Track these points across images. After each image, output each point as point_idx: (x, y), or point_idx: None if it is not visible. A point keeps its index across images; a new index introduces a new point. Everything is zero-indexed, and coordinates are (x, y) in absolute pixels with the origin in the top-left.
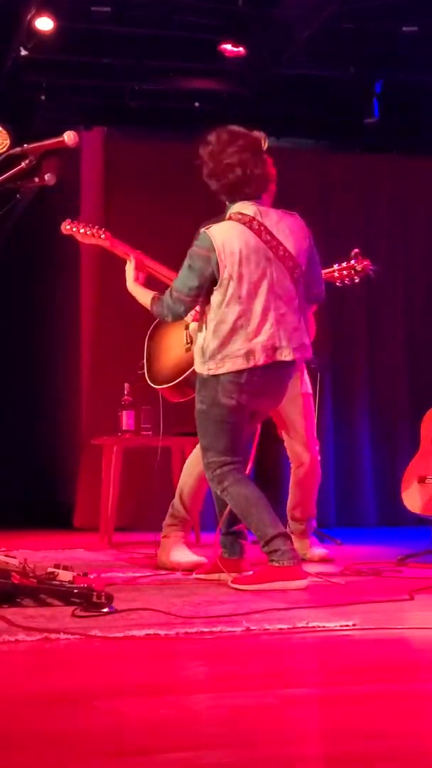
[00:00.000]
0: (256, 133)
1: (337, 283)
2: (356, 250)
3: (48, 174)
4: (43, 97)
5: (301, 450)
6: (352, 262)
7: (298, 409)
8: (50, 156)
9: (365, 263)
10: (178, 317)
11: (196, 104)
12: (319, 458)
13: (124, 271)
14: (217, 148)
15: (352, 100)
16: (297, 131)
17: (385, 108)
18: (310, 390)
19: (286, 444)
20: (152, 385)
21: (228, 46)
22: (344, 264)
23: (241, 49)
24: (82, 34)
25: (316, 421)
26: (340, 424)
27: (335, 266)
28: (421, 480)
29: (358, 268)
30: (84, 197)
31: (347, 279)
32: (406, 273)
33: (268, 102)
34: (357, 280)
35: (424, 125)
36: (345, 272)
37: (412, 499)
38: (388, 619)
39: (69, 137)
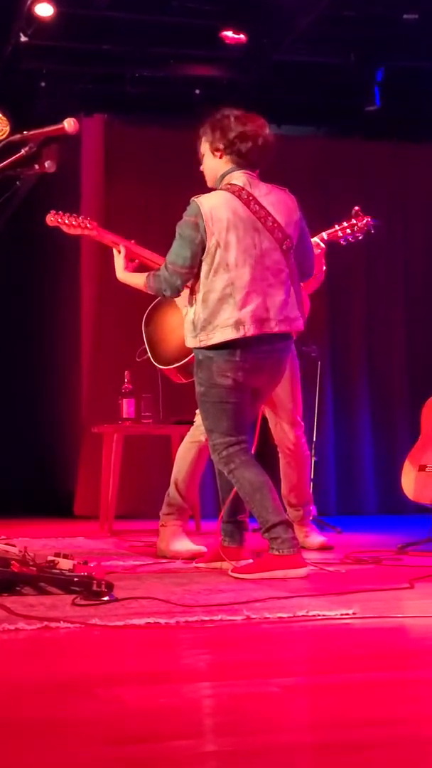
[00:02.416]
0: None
1: (341, 242)
2: (357, 208)
3: (48, 161)
4: (43, 84)
5: (287, 429)
6: (353, 220)
7: (287, 389)
8: (50, 143)
9: (366, 219)
10: (176, 290)
11: (197, 91)
12: (304, 440)
13: None
14: (236, 118)
15: (352, 88)
16: (297, 118)
17: (385, 95)
18: (298, 373)
19: (271, 426)
20: (159, 366)
21: (229, 33)
22: (345, 223)
23: (241, 36)
24: (83, 21)
25: (302, 405)
26: (339, 412)
27: (336, 226)
28: (422, 468)
29: (360, 224)
30: (84, 184)
31: (351, 237)
32: (406, 260)
33: (268, 89)
34: (360, 237)
35: (424, 112)
36: (348, 230)
37: (412, 487)
38: (388, 607)
39: (69, 124)
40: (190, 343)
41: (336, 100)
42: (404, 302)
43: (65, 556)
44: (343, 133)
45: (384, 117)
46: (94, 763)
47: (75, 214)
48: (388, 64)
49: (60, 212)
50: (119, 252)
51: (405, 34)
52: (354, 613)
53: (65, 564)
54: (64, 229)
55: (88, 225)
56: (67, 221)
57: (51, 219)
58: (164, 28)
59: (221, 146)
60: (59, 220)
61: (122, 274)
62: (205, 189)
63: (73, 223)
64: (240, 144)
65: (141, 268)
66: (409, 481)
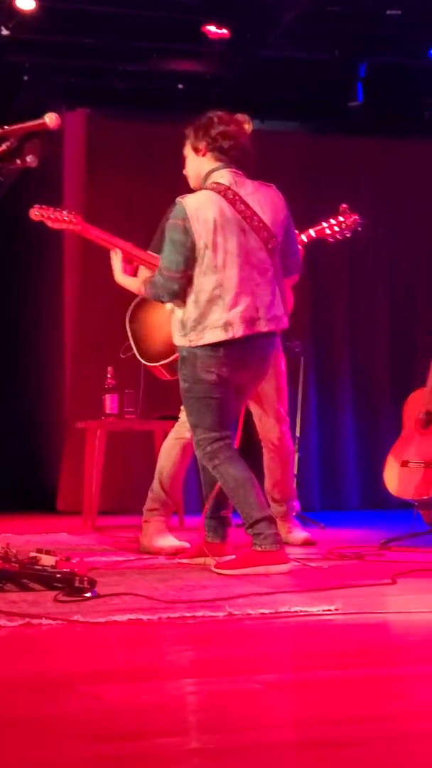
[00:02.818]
0: (241, 116)
1: (330, 240)
2: (344, 206)
3: (30, 156)
4: (25, 78)
5: (272, 425)
6: (340, 218)
7: (273, 384)
8: (32, 138)
9: (354, 217)
10: (174, 296)
11: (180, 86)
12: (289, 435)
13: (107, 255)
14: (219, 117)
15: (336, 83)
16: (281, 114)
17: (369, 91)
18: (284, 368)
19: (256, 421)
20: (145, 362)
21: (212, 28)
22: (333, 221)
23: (225, 31)
24: (65, 14)
25: (287, 400)
26: (323, 408)
27: (323, 223)
28: (404, 464)
29: (348, 222)
30: (66, 178)
31: (339, 234)
32: (390, 256)
33: (252, 84)
34: (348, 235)
35: (407, 108)
36: (336, 228)
37: (395, 482)
38: (371, 603)
39: (50, 119)
40: (179, 341)
41: (319, 96)
42: (388, 298)
43: (48, 553)
44: (326, 129)
45: (367, 112)
46: (77, 760)
47: (59, 209)
48: (371, 59)
49: (44, 206)
50: (111, 250)
51: (388, 30)
52: (336, 609)
53: (48, 560)
54: (48, 223)
55: (72, 220)
56: (51, 215)
57: (35, 213)
58: (147, 22)
59: (203, 144)
60: (43, 214)
61: (120, 277)
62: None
63: (58, 217)
64: (222, 141)
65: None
66: (392, 477)
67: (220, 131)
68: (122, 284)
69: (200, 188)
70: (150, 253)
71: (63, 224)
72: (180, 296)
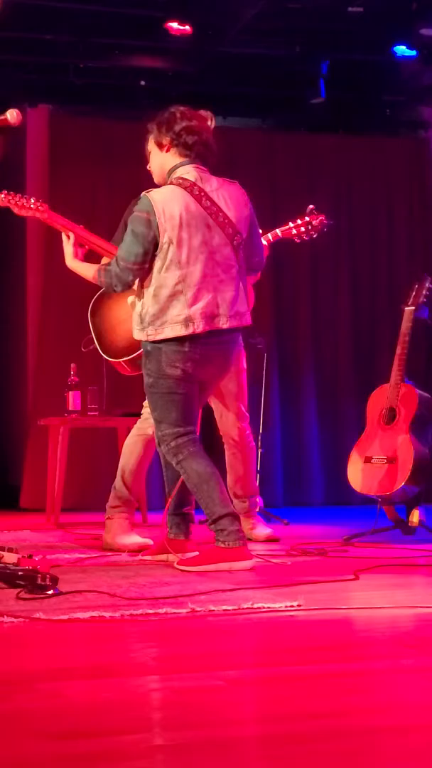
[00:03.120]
0: (204, 113)
1: (296, 240)
2: (311, 207)
3: None
4: None
5: (233, 421)
6: (306, 218)
7: (234, 380)
8: None
9: (320, 218)
10: (127, 286)
11: (142, 82)
12: (249, 431)
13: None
14: (182, 113)
15: (298, 79)
16: (243, 110)
17: (331, 87)
18: (245, 366)
19: (217, 417)
20: (107, 358)
21: (174, 24)
22: (299, 221)
23: (186, 27)
24: (26, 10)
25: (247, 397)
26: (286, 404)
27: (290, 223)
28: (367, 460)
29: (315, 223)
30: (29, 174)
31: (305, 235)
32: (352, 252)
33: (214, 80)
34: (315, 235)
35: (369, 105)
36: (302, 228)
37: (358, 478)
38: (333, 599)
39: (12, 116)
40: (137, 335)
41: (281, 92)
42: (350, 294)
43: (10, 550)
44: (288, 125)
45: (330, 109)
46: (38, 758)
47: (27, 196)
48: (333, 56)
49: (12, 193)
50: (68, 238)
51: (350, 27)
52: (299, 605)
53: (10, 557)
54: (15, 210)
55: (39, 207)
56: (17, 202)
57: (2, 199)
58: (109, 18)
59: (167, 140)
60: (10, 200)
61: (71, 261)
62: (151, 179)
63: (24, 204)
64: (186, 136)
65: (89, 254)
66: (355, 473)
67: (183, 126)
68: (73, 269)
69: (164, 184)
70: (101, 239)
71: (29, 211)
72: (132, 287)
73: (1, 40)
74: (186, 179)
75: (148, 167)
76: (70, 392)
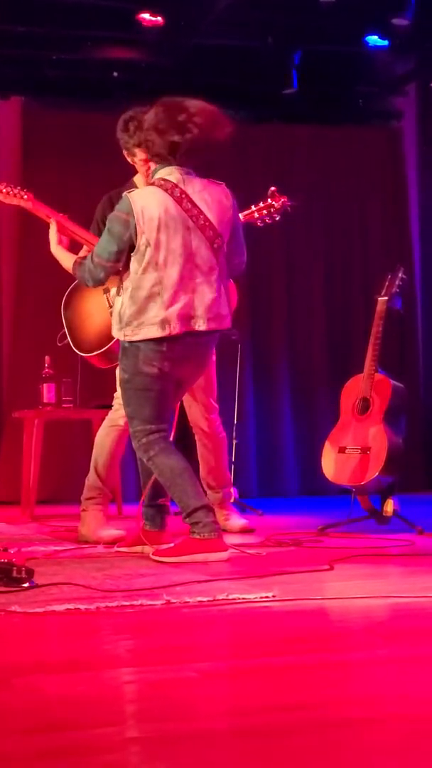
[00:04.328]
0: None
1: (258, 224)
2: (273, 189)
3: None
4: None
5: (201, 412)
6: (269, 200)
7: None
8: None
9: (282, 199)
10: (99, 283)
11: (115, 74)
12: (219, 422)
13: (44, 241)
14: (172, 104)
15: (270, 71)
16: (216, 102)
17: (304, 78)
18: (214, 358)
19: (186, 408)
20: (79, 353)
21: (146, 16)
22: (261, 204)
23: (158, 18)
24: None
25: (217, 389)
26: (260, 394)
27: (252, 207)
28: (341, 450)
29: (277, 205)
30: (2, 167)
31: (267, 218)
32: (326, 243)
33: (186, 72)
34: (277, 218)
35: (342, 95)
36: (264, 211)
37: (332, 468)
38: (308, 589)
39: None
40: (116, 334)
41: (254, 84)
42: (324, 284)
43: None
44: (261, 117)
45: (302, 100)
46: (12, 752)
47: (12, 185)
48: (305, 47)
49: None
50: (53, 225)
51: (322, 18)
52: (274, 596)
53: None
54: (0, 197)
55: (24, 196)
56: (4, 189)
57: None
58: (81, 10)
59: (155, 152)
60: None
61: (55, 248)
62: (125, 171)
63: (10, 192)
64: (173, 152)
65: (77, 245)
66: (329, 463)
67: (189, 137)
68: (55, 256)
69: (148, 183)
70: (83, 229)
71: (14, 199)
72: (104, 284)
73: None
74: (168, 180)
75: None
76: (45, 384)
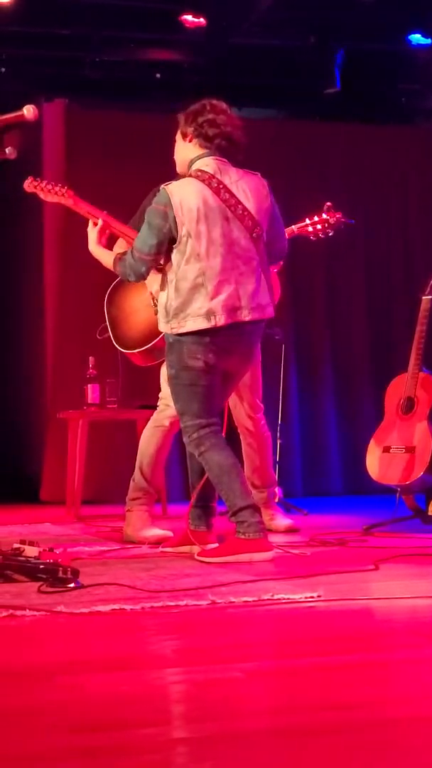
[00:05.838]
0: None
1: (312, 237)
2: (328, 204)
3: (9, 148)
4: (3, 69)
5: (246, 412)
6: (324, 215)
7: (249, 372)
8: (11, 129)
9: (338, 215)
10: (141, 277)
11: (157, 75)
12: (264, 422)
13: (87, 241)
14: (212, 106)
15: (312, 70)
16: (258, 101)
17: (346, 77)
18: (260, 357)
19: (231, 407)
20: (122, 350)
21: (188, 17)
22: (316, 218)
23: (201, 19)
24: (41, 5)
25: (262, 388)
26: (304, 394)
27: (307, 220)
28: (386, 449)
29: (332, 220)
30: (46, 169)
31: (321, 233)
32: (367, 241)
33: (228, 72)
34: (331, 233)
35: (385, 94)
36: (319, 226)
37: (377, 467)
38: (353, 589)
39: (28, 111)
40: (162, 327)
41: (296, 83)
42: (366, 283)
43: (31, 543)
44: (303, 116)
45: (345, 99)
46: (58, 751)
47: (53, 182)
48: (348, 45)
49: (38, 179)
50: (95, 224)
51: (364, 16)
52: (319, 596)
53: (31, 551)
54: (41, 195)
55: (65, 193)
56: (45, 187)
57: (29, 184)
58: (124, 11)
59: (190, 130)
60: (37, 185)
61: (94, 247)
62: (167, 170)
63: (51, 190)
64: (207, 129)
65: (112, 240)
66: (374, 462)
67: (207, 119)
68: (95, 254)
69: (185, 174)
70: (126, 226)
71: (56, 197)
72: (146, 278)
73: (16, 35)
74: (205, 171)
75: (174, 156)
76: (89, 385)
